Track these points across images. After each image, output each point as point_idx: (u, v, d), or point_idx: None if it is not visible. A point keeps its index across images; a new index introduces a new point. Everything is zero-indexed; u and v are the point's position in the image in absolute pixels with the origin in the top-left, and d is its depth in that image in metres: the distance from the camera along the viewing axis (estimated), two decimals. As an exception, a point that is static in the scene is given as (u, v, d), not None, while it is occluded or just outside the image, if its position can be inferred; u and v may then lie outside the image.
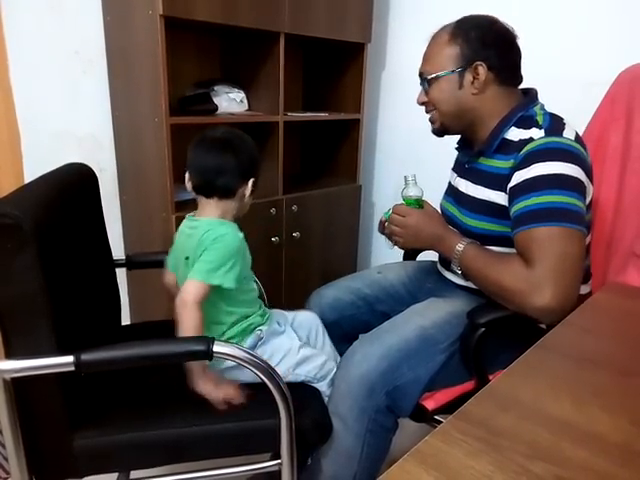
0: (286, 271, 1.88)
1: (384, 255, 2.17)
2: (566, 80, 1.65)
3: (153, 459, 0.92)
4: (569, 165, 0.93)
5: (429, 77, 1.05)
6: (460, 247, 1.01)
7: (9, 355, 0.79)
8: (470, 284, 1.09)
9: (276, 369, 0.96)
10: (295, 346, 1.04)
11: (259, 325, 1.03)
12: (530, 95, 1.06)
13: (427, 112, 1.11)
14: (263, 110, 1.76)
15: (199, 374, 0.91)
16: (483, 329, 0.96)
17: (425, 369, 0.99)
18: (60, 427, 0.86)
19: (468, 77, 1.02)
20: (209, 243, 0.93)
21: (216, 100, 1.68)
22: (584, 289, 1.09)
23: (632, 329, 0.72)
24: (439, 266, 1.21)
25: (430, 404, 1.01)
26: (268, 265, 1.81)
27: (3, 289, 0.78)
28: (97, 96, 1.63)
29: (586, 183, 0.95)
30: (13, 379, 0.77)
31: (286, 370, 1.01)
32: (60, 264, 0.85)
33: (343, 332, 1.22)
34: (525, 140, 0.98)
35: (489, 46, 1.00)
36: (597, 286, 1.15)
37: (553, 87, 1.68)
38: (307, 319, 1.18)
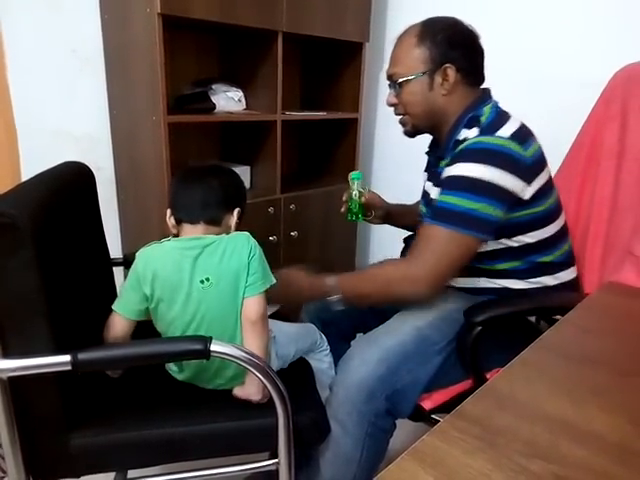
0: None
1: (382, 254, 2.16)
2: (561, 80, 1.66)
3: (150, 458, 0.92)
4: (486, 168, 0.94)
5: (400, 80, 1.06)
6: (331, 279, 1.03)
7: (6, 354, 0.79)
8: (461, 284, 1.11)
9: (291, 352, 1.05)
10: (285, 326, 1.08)
11: None
12: (483, 95, 1.08)
13: (397, 114, 1.13)
14: (261, 109, 1.76)
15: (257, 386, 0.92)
16: (480, 328, 0.96)
17: (423, 371, 0.99)
18: (57, 426, 0.85)
19: (437, 79, 1.04)
20: (249, 252, 0.92)
21: (214, 99, 1.67)
22: (569, 274, 1.11)
23: (630, 329, 0.72)
24: None
25: (427, 404, 1.01)
26: (266, 264, 1.81)
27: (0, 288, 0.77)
28: (94, 94, 1.63)
29: (510, 184, 0.95)
30: (10, 378, 0.77)
31: (295, 352, 1.07)
32: (57, 263, 0.85)
33: (340, 331, 1.22)
34: (462, 140, 1.01)
35: (456, 48, 1.03)
36: (594, 284, 1.16)
37: (549, 87, 1.69)
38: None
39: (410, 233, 1.38)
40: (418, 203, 1.41)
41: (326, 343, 1.17)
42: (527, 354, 0.63)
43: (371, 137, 2.28)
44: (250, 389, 0.92)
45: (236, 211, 0.99)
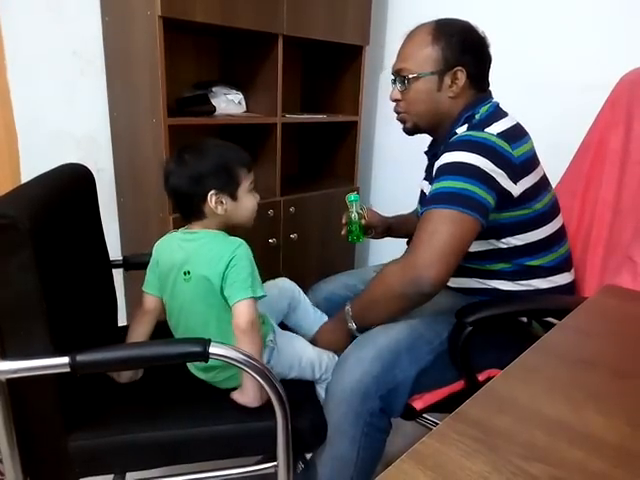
0: (283, 273, 1.88)
1: (381, 257, 2.16)
2: (568, 84, 1.66)
3: (149, 461, 0.92)
4: (473, 155, 0.95)
5: (410, 76, 1.05)
6: (347, 306, 1.07)
7: (4, 356, 0.79)
8: (453, 284, 1.12)
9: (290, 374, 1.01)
10: (301, 350, 1.04)
11: (267, 334, 1.02)
12: (484, 96, 1.08)
13: (397, 111, 1.13)
14: (261, 111, 1.76)
15: (254, 392, 0.91)
16: (470, 328, 0.97)
17: (416, 369, 0.99)
18: (55, 428, 0.85)
19: (447, 80, 1.04)
20: (228, 262, 0.89)
21: (214, 101, 1.68)
22: (565, 279, 1.11)
23: (628, 331, 0.72)
24: None
25: (419, 404, 1.02)
26: (265, 267, 1.80)
27: (-1, 289, 0.77)
28: (95, 97, 1.63)
29: (496, 174, 0.95)
30: (8, 380, 0.77)
31: (295, 375, 1.03)
32: (56, 265, 0.85)
33: None
34: (453, 135, 1.02)
35: (468, 52, 1.03)
36: (594, 287, 1.16)
37: (554, 91, 1.69)
38: (284, 288, 1.20)
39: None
40: (415, 211, 1.42)
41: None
42: (526, 356, 0.62)
43: (371, 140, 2.29)
44: (248, 397, 0.92)
45: (210, 196, 0.91)
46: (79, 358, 0.76)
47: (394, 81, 1.11)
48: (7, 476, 0.83)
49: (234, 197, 0.95)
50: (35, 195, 0.86)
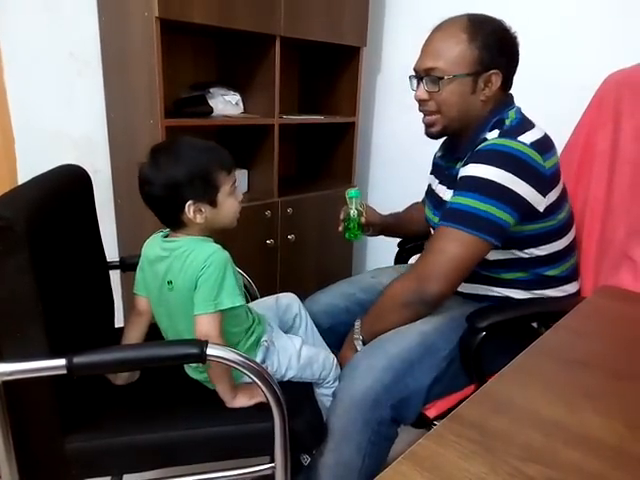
0: (281, 274, 1.88)
1: (380, 258, 2.17)
2: (558, 84, 1.67)
3: (146, 463, 0.92)
4: (497, 170, 0.91)
5: (446, 77, 0.97)
6: (356, 324, 1.09)
7: (0, 358, 0.78)
8: (466, 290, 1.10)
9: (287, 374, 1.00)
10: (297, 348, 1.03)
11: (261, 335, 1.01)
12: (507, 99, 1.05)
13: (424, 111, 1.05)
14: (259, 113, 1.76)
15: (231, 394, 0.91)
16: (483, 333, 0.95)
17: (429, 378, 0.97)
18: (52, 431, 0.85)
19: (480, 83, 0.99)
20: (199, 270, 0.85)
21: (212, 102, 1.68)
22: (572, 287, 1.11)
23: (625, 332, 0.72)
24: None
25: (431, 412, 1.00)
26: (263, 268, 1.81)
27: (-5, 291, 0.77)
28: (92, 98, 1.63)
29: (520, 189, 0.92)
30: (5, 382, 0.76)
31: (293, 374, 1.02)
32: (53, 266, 0.84)
33: (338, 338, 1.20)
34: (482, 140, 0.98)
35: (504, 54, 0.99)
36: (588, 286, 1.16)
37: (545, 91, 1.70)
38: (290, 303, 1.18)
39: (405, 239, 1.40)
40: (410, 208, 1.41)
41: (335, 379, 1.06)
42: (522, 358, 0.63)
43: (368, 141, 2.29)
44: (242, 401, 0.92)
45: (187, 206, 0.86)
46: (76, 360, 0.75)
47: (419, 79, 1.02)
48: (3, 479, 0.82)
49: (213, 204, 0.89)
50: (32, 197, 0.85)
